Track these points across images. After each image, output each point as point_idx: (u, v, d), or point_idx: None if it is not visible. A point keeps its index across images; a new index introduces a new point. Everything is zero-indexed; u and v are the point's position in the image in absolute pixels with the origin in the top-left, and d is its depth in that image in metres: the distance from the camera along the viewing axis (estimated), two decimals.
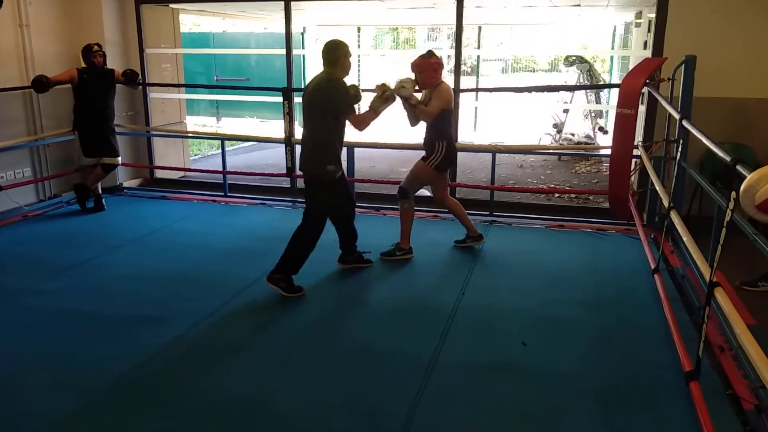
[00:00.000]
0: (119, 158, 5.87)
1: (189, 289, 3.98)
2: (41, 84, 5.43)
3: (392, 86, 4.05)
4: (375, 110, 3.91)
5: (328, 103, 3.71)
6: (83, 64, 5.66)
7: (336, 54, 3.74)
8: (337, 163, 3.86)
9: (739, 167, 2.27)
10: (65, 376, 2.93)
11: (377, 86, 4.00)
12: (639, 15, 8.26)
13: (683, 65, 4.40)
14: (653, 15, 5.54)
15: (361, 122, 3.84)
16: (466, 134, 9.95)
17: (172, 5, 7.24)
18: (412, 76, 4.31)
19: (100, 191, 5.91)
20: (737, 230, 2.55)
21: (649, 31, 6.07)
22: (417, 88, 4.29)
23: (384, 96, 3.95)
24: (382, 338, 3.34)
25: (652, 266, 4.13)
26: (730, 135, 4.93)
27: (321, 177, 3.81)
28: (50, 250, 4.75)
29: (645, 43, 6.69)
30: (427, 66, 4.26)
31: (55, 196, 6.24)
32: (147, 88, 6.87)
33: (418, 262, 4.41)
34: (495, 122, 12.22)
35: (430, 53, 4.36)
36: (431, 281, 4.13)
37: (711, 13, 5.04)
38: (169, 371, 2.98)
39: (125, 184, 6.82)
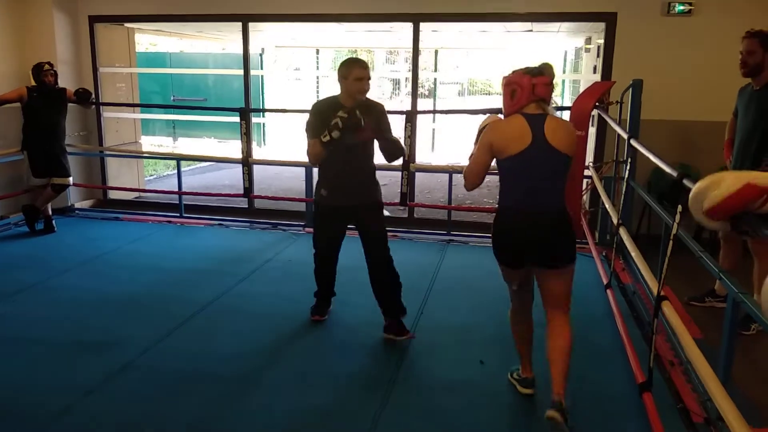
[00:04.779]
0: (70, 178, 5.72)
1: (141, 312, 3.88)
2: None
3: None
4: (318, 141, 3.23)
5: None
6: (33, 83, 5.52)
7: (338, 75, 3.32)
8: (333, 189, 3.45)
9: (685, 181, 2.36)
10: (9, 406, 2.80)
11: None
12: (588, 41, 8.54)
13: (631, 88, 4.57)
14: (602, 41, 5.74)
15: (307, 153, 3.37)
16: (424, 155, 10.06)
17: (127, 24, 7.15)
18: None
19: (50, 212, 5.74)
20: (685, 248, 2.65)
21: (598, 56, 6.28)
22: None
23: (332, 124, 3.17)
24: (340, 359, 3.32)
25: (605, 282, 4.23)
26: (676, 156, 5.11)
27: (316, 201, 3.59)
28: None
29: (594, 68, 6.92)
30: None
31: (3, 217, 6.02)
32: (100, 107, 6.75)
33: None
34: (452, 143, 12.38)
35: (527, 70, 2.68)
36: None
37: (656, 40, 5.27)
38: (119, 398, 2.89)
39: (77, 205, 6.64)
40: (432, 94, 14.60)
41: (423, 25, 6.03)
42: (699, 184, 1.93)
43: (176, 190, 6.47)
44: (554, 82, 2.65)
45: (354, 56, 3.39)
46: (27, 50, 6.18)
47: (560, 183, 2.65)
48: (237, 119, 6.06)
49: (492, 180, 7.66)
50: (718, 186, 1.88)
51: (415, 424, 2.71)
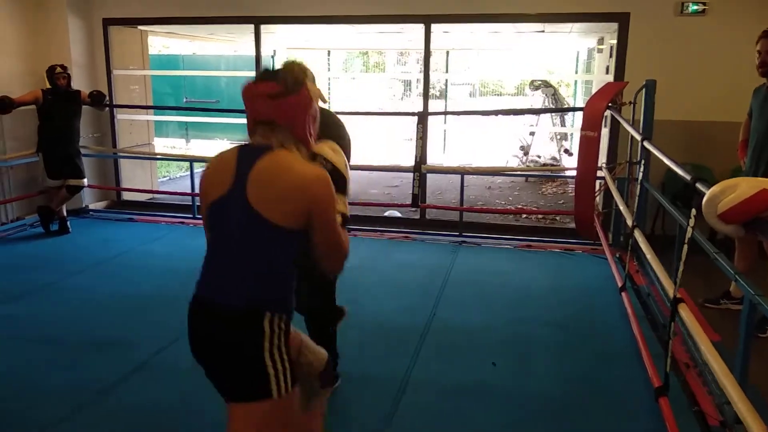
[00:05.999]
0: (85, 180, 5.77)
1: (155, 313, 3.90)
2: (4, 105, 5.33)
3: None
4: None
5: None
6: (48, 85, 5.58)
7: None
8: None
9: (698, 185, 2.35)
10: (24, 405, 2.83)
11: None
12: (601, 41, 8.50)
13: (644, 89, 4.54)
14: (614, 41, 5.72)
15: None
16: (435, 156, 10.06)
17: (140, 27, 7.21)
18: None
19: (64, 213, 5.79)
20: (699, 249, 2.62)
21: (610, 56, 6.25)
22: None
23: None
24: (353, 360, 3.32)
25: (619, 284, 4.20)
26: (690, 157, 5.08)
27: None
28: (11, 273, 4.62)
29: (607, 68, 6.88)
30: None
31: (18, 218, 6.09)
32: (114, 109, 6.80)
33: (388, 283, 4.40)
34: (463, 145, 12.37)
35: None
36: (402, 302, 4.13)
37: (669, 40, 5.23)
38: (132, 398, 2.91)
39: (91, 207, 6.70)
40: (443, 95, 14.60)
41: (434, 27, 6.03)
42: (713, 189, 1.92)
43: (189, 191, 6.51)
44: (316, 94, 1.69)
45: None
46: (42, 53, 6.23)
47: (258, 266, 1.65)
48: None
49: (504, 180, 7.66)
50: (732, 191, 1.87)
51: (426, 426, 2.70)
